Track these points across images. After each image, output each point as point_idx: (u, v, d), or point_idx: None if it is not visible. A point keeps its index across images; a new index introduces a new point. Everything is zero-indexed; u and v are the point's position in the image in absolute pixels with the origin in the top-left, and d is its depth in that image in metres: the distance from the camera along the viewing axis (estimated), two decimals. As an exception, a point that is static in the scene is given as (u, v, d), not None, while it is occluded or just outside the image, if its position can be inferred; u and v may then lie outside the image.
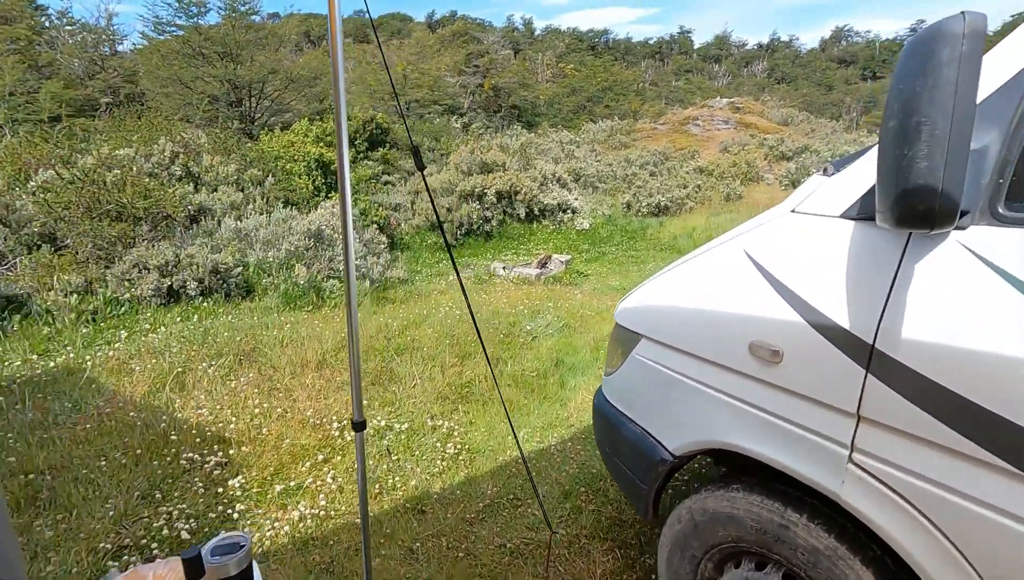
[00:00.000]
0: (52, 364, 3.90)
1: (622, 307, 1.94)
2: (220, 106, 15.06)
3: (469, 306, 1.63)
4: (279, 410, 3.34)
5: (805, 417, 1.30)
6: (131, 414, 3.13)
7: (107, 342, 4.40)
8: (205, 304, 5.38)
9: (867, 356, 1.16)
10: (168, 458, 2.80)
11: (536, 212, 13.20)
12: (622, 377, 1.93)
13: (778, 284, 1.36)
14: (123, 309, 5.06)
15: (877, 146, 1.04)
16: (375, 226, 9.41)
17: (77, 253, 5.52)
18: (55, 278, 4.93)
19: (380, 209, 11.01)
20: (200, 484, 2.64)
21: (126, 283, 5.26)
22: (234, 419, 3.21)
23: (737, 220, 13.51)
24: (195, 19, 14.61)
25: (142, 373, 3.68)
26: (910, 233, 1.13)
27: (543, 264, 10.49)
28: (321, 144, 12.47)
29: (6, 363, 3.94)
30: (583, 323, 5.95)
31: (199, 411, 3.24)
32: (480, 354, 4.67)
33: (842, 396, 1.22)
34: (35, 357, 4.04)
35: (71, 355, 4.07)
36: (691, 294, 1.63)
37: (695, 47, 69.24)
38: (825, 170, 1.63)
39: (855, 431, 1.21)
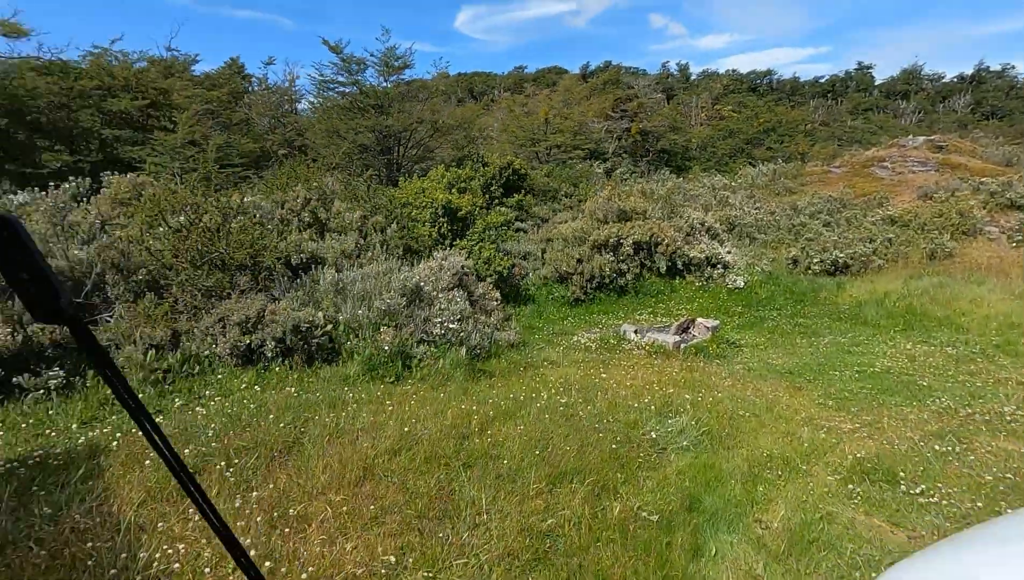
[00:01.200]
0: (83, 439, 3.42)
1: None
2: (371, 154, 15.82)
3: (173, 466, 0.50)
4: (271, 561, 2.37)
5: None
6: (90, 543, 2.37)
7: (156, 410, 3.90)
8: (279, 368, 4.80)
9: None
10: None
11: (679, 266, 11.54)
12: None
13: None
14: (198, 369, 4.65)
15: None
16: (492, 278, 8.62)
17: (176, 302, 5.34)
18: (138, 332, 4.67)
19: (506, 258, 10.27)
20: None
21: (208, 339, 4.89)
22: (207, 571, 2.31)
23: (947, 284, 10.49)
24: (355, 76, 15.69)
25: (153, 468, 3.00)
26: None
27: (684, 329, 8.84)
28: (453, 190, 12.21)
29: (46, 433, 3.56)
30: (733, 429, 4.36)
31: (172, 548, 2.39)
32: (579, 479, 3.36)
33: None
34: (75, 426, 3.63)
35: (107, 429, 3.59)
36: None
37: (876, 83, 61.61)
38: None
39: None
